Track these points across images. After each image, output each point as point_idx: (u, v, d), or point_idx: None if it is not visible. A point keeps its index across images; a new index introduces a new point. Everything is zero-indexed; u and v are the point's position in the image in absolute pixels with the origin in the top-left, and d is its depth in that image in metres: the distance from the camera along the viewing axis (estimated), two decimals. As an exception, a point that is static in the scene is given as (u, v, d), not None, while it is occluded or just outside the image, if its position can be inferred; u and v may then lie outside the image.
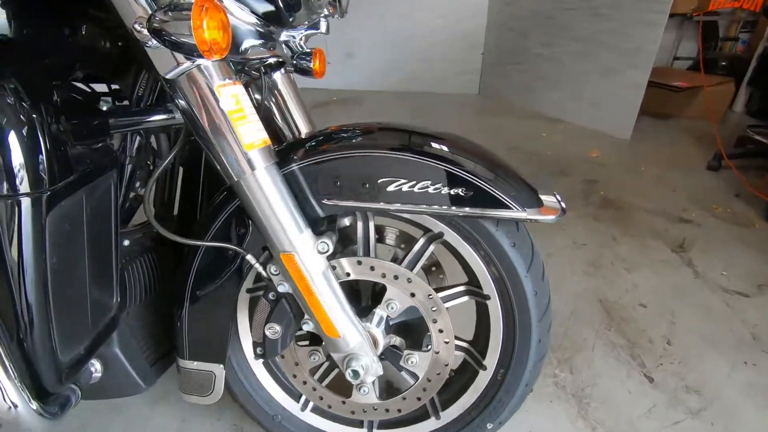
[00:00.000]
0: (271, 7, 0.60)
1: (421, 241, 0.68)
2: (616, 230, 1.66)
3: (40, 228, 0.51)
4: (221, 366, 0.72)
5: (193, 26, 0.43)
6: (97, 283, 0.63)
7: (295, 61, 0.80)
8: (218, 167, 0.55)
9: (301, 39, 0.81)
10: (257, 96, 0.77)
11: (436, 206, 0.59)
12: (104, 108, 0.68)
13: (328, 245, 0.60)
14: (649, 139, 2.66)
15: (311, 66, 0.80)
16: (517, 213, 0.57)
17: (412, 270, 0.67)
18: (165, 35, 0.44)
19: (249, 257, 0.62)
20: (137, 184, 0.76)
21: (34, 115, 0.50)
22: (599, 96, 2.75)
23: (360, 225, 0.70)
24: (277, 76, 0.80)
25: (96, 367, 0.69)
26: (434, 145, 0.61)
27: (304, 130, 0.83)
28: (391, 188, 0.59)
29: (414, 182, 0.58)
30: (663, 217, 1.77)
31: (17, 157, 0.48)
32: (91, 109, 0.65)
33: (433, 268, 0.88)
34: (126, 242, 0.72)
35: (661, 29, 2.36)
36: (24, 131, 0.49)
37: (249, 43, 0.59)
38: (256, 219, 0.58)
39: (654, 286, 1.37)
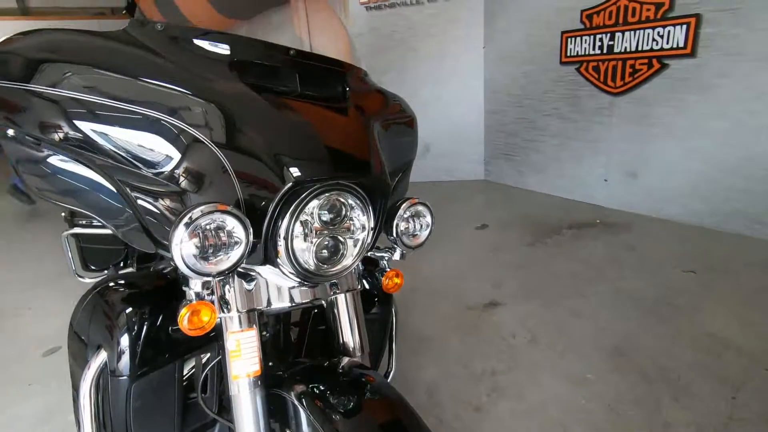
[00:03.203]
0: (296, 281, 0.78)
1: None
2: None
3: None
4: None
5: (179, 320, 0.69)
6: None
7: (366, 280, 0.97)
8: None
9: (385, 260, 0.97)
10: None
11: None
12: None
13: None
14: None
15: (380, 284, 0.97)
16: None
17: None
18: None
19: None
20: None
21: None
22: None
23: None
24: (340, 297, 0.88)
25: None
26: None
27: (351, 347, 0.89)
28: None
29: None
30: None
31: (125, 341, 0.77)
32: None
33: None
34: None
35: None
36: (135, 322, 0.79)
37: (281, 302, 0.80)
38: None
39: None
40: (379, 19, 4.00)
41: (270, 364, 0.89)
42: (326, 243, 0.76)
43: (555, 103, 3.52)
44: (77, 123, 0.71)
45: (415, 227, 0.95)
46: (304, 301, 0.82)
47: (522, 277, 2.43)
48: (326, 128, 0.80)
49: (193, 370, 0.94)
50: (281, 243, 0.70)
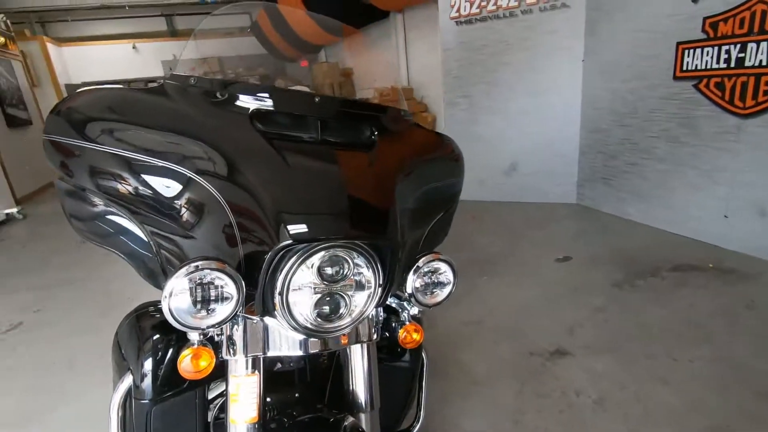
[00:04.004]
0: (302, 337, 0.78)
1: None
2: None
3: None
4: None
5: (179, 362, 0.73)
6: None
7: (385, 333, 0.94)
8: None
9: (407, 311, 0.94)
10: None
11: None
12: None
13: None
14: None
15: (397, 337, 0.93)
16: None
17: None
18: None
19: None
20: None
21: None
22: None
23: None
24: (355, 347, 0.86)
25: None
26: None
27: (361, 402, 0.88)
28: None
29: None
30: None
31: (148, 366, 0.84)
32: None
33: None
34: None
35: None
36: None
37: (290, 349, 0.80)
38: None
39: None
40: (469, 33, 3.89)
41: (274, 409, 0.89)
42: (327, 299, 0.74)
43: (665, 124, 3.07)
44: (112, 174, 0.79)
45: (434, 284, 0.88)
46: (313, 351, 0.81)
47: (601, 324, 2.15)
48: (340, 180, 0.79)
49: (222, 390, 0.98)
50: (277, 298, 0.70)
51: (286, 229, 0.69)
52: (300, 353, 0.79)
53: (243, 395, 0.74)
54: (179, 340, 0.84)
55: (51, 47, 9.56)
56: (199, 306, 0.68)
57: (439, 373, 1.83)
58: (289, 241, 0.68)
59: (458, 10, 3.86)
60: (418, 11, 6.08)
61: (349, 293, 0.75)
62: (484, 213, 3.96)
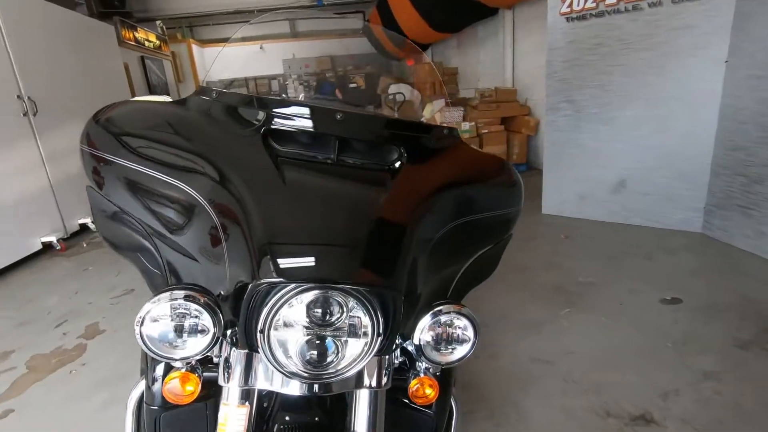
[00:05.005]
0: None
1: None
2: None
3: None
4: None
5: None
6: None
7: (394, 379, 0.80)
8: None
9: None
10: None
11: None
12: None
13: None
14: None
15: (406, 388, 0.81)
16: None
17: None
18: None
19: None
20: None
21: None
22: None
23: None
24: (362, 392, 0.76)
25: None
26: None
27: None
28: None
29: None
30: None
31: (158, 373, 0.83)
32: None
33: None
34: None
35: None
36: None
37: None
38: None
39: None
40: (581, 30, 3.46)
41: (293, 429, 0.84)
42: (317, 342, 0.66)
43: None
44: (130, 189, 0.81)
45: (450, 339, 0.74)
46: (311, 393, 0.73)
47: (709, 394, 1.72)
48: (343, 211, 0.71)
49: None
50: (258, 335, 0.64)
51: (269, 264, 0.63)
52: (297, 393, 0.72)
53: (231, 426, 0.70)
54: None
55: (195, 48, 10.99)
56: (172, 336, 0.65)
57: (490, 412, 1.64)
58: (269, 279, 0.61)
59: (570, 5, 3.45)
60: (528, 8, 5.65)
61: (342, 339, 0.66)
62: (579, 233, 3.52)
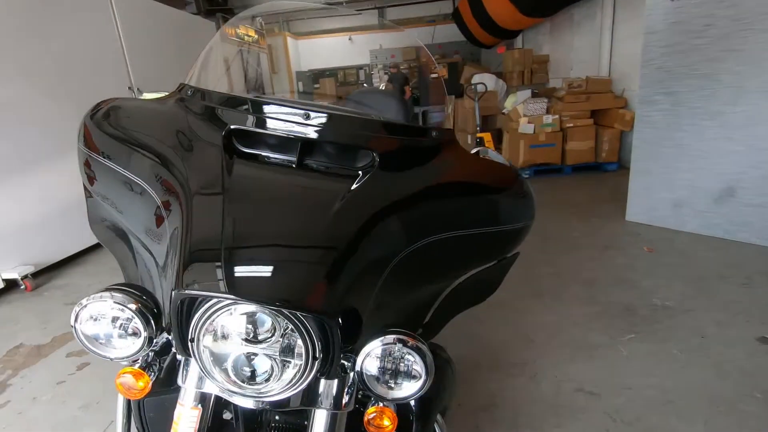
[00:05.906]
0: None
1: None
2: None
3: None
4: None
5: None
6: None
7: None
8: None
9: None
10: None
11: None
12: None
13: None
14: None
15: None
16: None
17: None
18: None
19: None
20: None
21: None
22: None
23: None
24: (318, 413, 0.72)
25: None
26: None
27: None
28: None
29: None
30: None
31: None
32: None
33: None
34: None
35: None
36: None
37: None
38: None
39: None
40: (688, 9, 2.94)
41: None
42: (253, 357, 0.63)
43: None
44: (109, 187, 0.85)
45: (395, 373, 0.67)
46: (264, 407, 0.72)
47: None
48: (285, 222, 0.67)
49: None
50: (189, 345, 0.63)
51: (191, 274, 0.61)
52: (250, 406, 0.70)
53: (182, 427, 0.70)
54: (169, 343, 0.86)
55: (290, 41, 11.62)
56: (103, 336, 0.67)
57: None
58: (187, 291, 0.60)
59: (675, -20, 2.96)
60: (633, -15, 4.99)
61: (276, 358, 0.63)
62: (667, 246, 3.05)
